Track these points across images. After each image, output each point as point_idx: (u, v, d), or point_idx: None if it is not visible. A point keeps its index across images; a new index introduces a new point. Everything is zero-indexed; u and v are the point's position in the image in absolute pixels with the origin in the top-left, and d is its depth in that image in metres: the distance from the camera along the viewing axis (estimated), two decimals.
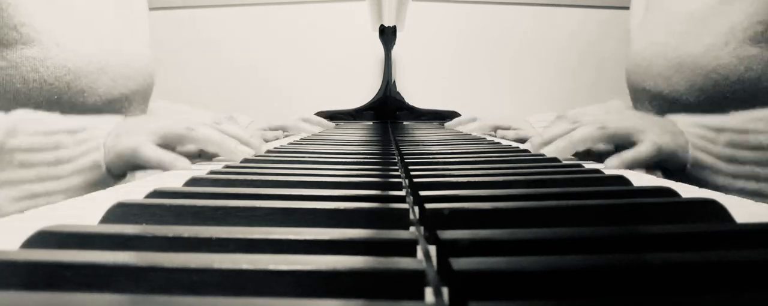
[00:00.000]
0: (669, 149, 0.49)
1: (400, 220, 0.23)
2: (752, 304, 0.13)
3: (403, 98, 1.37)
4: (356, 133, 0.89)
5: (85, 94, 0.61)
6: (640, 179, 0.36)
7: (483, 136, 0.85)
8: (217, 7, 1.49)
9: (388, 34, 1.37)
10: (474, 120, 1.07)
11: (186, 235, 0.19)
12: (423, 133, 0.90)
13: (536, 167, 0.40)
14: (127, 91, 0.68)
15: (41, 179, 0.46)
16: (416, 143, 0.62)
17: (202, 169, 0.43)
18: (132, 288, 0.15)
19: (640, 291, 0.15)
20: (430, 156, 0.47)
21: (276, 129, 0.96)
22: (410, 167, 0.38)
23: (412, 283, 0.15)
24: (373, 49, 1.42)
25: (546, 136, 0.55)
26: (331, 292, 0.15)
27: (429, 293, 0.16)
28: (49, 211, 0.26)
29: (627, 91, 0.82)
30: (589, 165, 0.46)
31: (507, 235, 0.18)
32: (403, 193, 0.28)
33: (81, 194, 0.48)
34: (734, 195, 0.48)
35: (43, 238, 0.18)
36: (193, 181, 0.33)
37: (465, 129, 1.01)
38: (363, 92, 1.40)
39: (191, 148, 0.65)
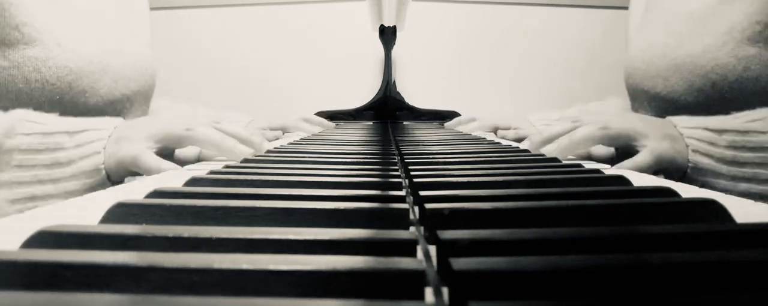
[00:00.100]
0: (668, 156, 0.49)
1: (400, 220, 0.23)
2: (752, 304, 0.13)
3: (403, 98, 1.37)
4: (356, 133, 0.89)
5: (87, 95, 0.61)
6: (640, 179, 0.36)
7: (483, 136, 0.85)
8: (217, 7, 1.49)
9: (388, 34, 1.37)
10: (473, 120, 1.07)
11: (186, 235, 0.19)
12: (423, 133, 0.90)
13: (536, 167, 0.40)
14: (128, 92, 0.69)
15: (40, 181, 0.46)
16: (416, 143, 0.62)
17: (202, 169, 0.43)
18: (132, 288, 0.15)
19: (640, 291, 0.15)
20: (430, 156, 0.47)
21: (276, 129, 0.96)
22: (410, 167, 0.38)
23: (412, 283, 0.15)
24: (373, 49, 1.42)
25: (546, 135, 0.55)
26: (331, 292, 0.15)
27: (429, 293, 0.16)
28: (49, 211, 0.26)
29: (621, 91, 0.83)
30: (589, 165, 0.46)
31: (507, 235, 0.18)
32: (403, 193, 0.28)
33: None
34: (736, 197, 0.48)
35: (43, 238, 0.18)
36: (193, 181, 0.33)
37: (465, 129, 1.01)
38: (363, 92, 1.40)
39: (190, 154, 0.65)
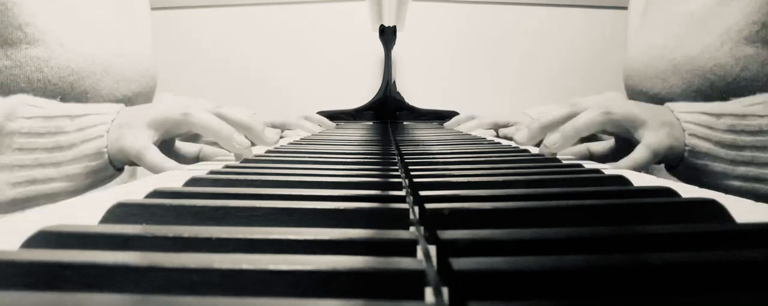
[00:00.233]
0: (665, 146, 0.49)
1: (400, 220, 0.23)
2: (752, 304, 0.13)
3: (403, 98, 1.37)
4: (356, 133, 0.89)
5: (88, 95, 0.61)
6: (640, 179, 0.36)
7: (483, 136, 0.85)
8: (218, 7, 1.49)
9: (388, 34, 1.37)
10: (472, 118, 1.07)
11: (186, 235, 0.19)
12: (423, 133, 0.90)
13: (536, 167, 0.40)
14: (129, 93, 0.69)
15: (41, 165, 0.46)
16: (416, 143, 0.62)
17: (202, 169, 0.43)
18: (132, 288, 0.15)
19: (640, 291, 0.15)
20: (430, 156, 0.47)
21: (278, 126, 0.96)
22: (410, 167, 0.38)
23: (412, 283, 0.15)
24: (373, 49, 1.42)
25: (544, 120, 0.55)
26: (331, 292, 0.15)
27: (429, 293, 0.16)
28: (49, 211, 0.26)
29: (620, 91, 0.83)
30: (589, 165, 0.46)
31: (507, 235, 0.18)
32: (403, 193, 0.28)
33: (82, 181, 0.48)
34: (734, 181, 0.48)
35: (43, 238, 0.18)
36: (193, 181, 0.33)
37: (464, 127, 1.01)
38: (363, 92, 1.40)
39: (192, 149, 0.64)
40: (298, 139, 0.78)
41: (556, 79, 1.49)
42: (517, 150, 0.56)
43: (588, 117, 0.50)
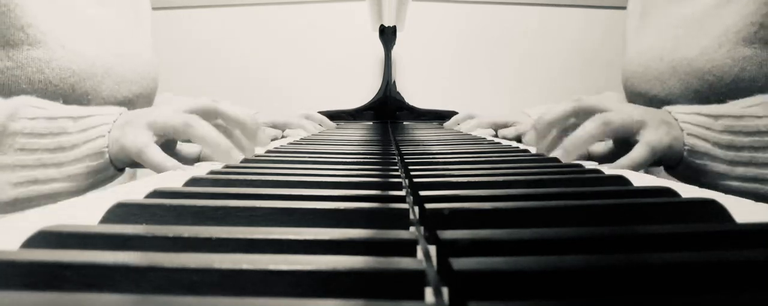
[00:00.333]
0: (664, 145, 0.48)
1: (400, 220, 0.23)
2: (752, 304, 0.13)
3: (403, 98, 1.37)
4: (356, 133, 0.89)
5: (89, 97, 0.61)
6: (641, 179, 0.36)
7: (483, 136, 0.85)
8: (218, 7, 1.49)
9: (388, 34, 1.37)
10: (471, 117, 1.07)
11: (186, 235, 0.19)
12: (423, 133, 0.90)
13: (536, 167, 0.40)
14: (130, 95, 0.69)
15: (43, 165, 0.46)
16: (416, 143, 0.62)
17: (202, 169, 0.43)
18: (132, 288, 0.15)
19: (640, 291, 0.15)
20: (430, 156, 0.47)
21: (280, 125, 0.96)
22: (410, 167, 0.38)
23: (412, 283, 0.15)
24: (373, 49, 1.42)
25: (549, 117, 0.54)
26: (331, 292, 0.15)
27: (429, 293, 0.16)
28: (49, 211, 0.26)
29: (620, 91, 0.83)
30: (588, 165, 0.46)
31: (507, 235, 0.18)
32: (403, 193, 0.28)
33: (83, 182, 0.48)
34: (733, 181, 0.48)
35: (44, 238, 0.18)
36: (193, 181, 0.33)
37: (464, 127, 1.01)
38: (363, 92, 1.40)
39: (192, 150, 0.64)
40: (298, 139, 0.78)
41: (556, 79, 1.49)
42: (517, 150, 0.56)
43: (587, 131, 0.50)
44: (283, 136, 0.96)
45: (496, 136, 0.96)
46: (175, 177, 0.37)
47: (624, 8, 0.91)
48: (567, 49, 1.50)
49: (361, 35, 1.44)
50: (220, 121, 0.52)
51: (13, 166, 0.45)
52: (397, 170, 0.39)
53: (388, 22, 1.35)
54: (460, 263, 0.15)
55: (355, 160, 0.45)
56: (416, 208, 0.27)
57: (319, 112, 1.24)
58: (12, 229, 0.21)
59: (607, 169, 0.48)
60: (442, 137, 0.76)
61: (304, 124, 0.97)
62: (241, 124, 0.52)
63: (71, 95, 0.59)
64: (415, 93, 1.40)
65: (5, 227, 0.22)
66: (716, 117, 0.49)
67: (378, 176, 0.35)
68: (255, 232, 0.19)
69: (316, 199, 0.27)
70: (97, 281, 0.15)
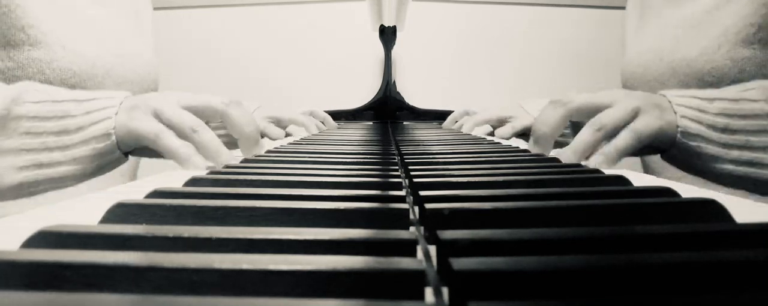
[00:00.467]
0: (651, 130, 0.47)
1: (400, 220, 0.23)
2: (752, 304, 0.13)
3: (403, 98, 1.37)
4: (356, 133, 0.89)
5: None
6: (640, 179, 0.36)
7: (482, 135, 0.85)
8: (217, 7, 1.49)
9: (388, 34, 1.37)
10: (467, 113, 1.07)
11: (186, 235, 0.19)
12: (423, 133, 0.90)
13: (536, 167, 0.40)
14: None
15: (48, 148, 0.46)
16: (416, 143, 0.62)
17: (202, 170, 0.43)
18: (132, 288, 0.15)
19: (640, 291, 0.15)
20: (430, 156, 0.47)
21: (284, 123, 0.95)
22: (410, 167, 0.38)
23: (412, 283, 0.15)
24: (373, 49, 1.42)
25: (544, 130, 0.53)
26: (331, 292, 0.15)
27: (429, 293, 0.16)
28: (49, 211, 0.26)
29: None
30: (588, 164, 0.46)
31: (507, 235, 0.18)
32: (403, 193, 0.28)
33: (88, 164, 0.48)
34: (728, 165, 0.48)
35: (43, 238, 0.18)
36: (193, 181, 0.33)
37: (466, 127, 1.01)
38: (363, 92, 1.40)
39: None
40: (298, 139, 0.78)
41: (556, 79, 1.49)
42: (517, 150, 0.56)
43: (583, 139, 0.49)
44: (287, 135, 0.97)
45: (493, 133, 0.97)
46: (175, 177, 0.37)
47: (624, 8, 0.91)
48: (567, 48, 1.50)
49: (361, 35, 1.44)
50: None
51: (18, 150, 0.45)
52: (397, 170, 0.39)
53: (388, 22, 1.35)
54: (460, 263, 0.15)
55: (355, 160, 0.45)
56: (416, 208, 0.27)
57: None
58: (12, 229, 0.21)
59: (595, 157, 0.47)
60: (442, 137, 0.76)
61: (307, 122, 0.97)
62: (240, 135, 0.51)
63: None
64: (415, 93, 1.40)
65: (5, 227, 0.22)
66: (711, 100, 0.49)
67: (378, 176, 0.35)
68: (255, 232, 0.19)
69: (316, 199, 0.27)
70: (97, 281, 0.15)
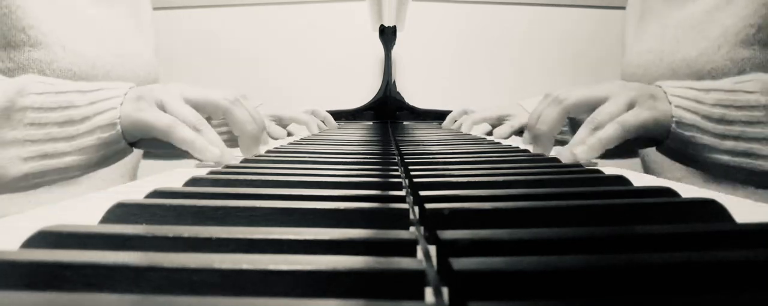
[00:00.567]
0: (640, 120, 0.47)
1: (400, 220, 0.23)
2: (752, 304, 0.13)
3: (403, 98, 1.37)
4: (356, 132, 0.89)
5: None
6: (640, 179, 0.36)
7: (481, 135, 0.85)
8: (217, 7, 1.49)
9: (388, 34, 1.37)
10: (465, 113, 1.07)
11: (186, 235, 0.19)
12: (423, 133, 0.90)
13: (536, 167, 0.40)
14: None
15: (53, 139, 0.46)
16: (416, 143, 0.62)
17: (201, 169, 0.43)
18: (132, 288, 0.15)
19: (640, 291, 0.15)
20: (430, 156, 0.47)
21: (284, 120, 0.96)
22: (410, 167, 0.38)
23: (412, 283, 0.15)
24: (373, 49, 1.42)
25: (543, 129, 0.53)
26: (331, 292, 0.15)
27: (429, 293, 0.16)
28: (49, 211, 0.26)
29: None
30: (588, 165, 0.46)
31: (507, 235, 0.18)
32: (403, 193, 0.28)
33: (94, 154, 0.48)
34: (722, 155, 0.48)
35: (43, 238, 0.18)
36: (193, 181, 0.33)
37: (465, 127, 1.01)
38: (363, 92, 1.40)
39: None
40: (298, 139, 0.78)
41: (556, 79, 1.49)
42: (517, 150, 0.56)
43: (581, 139, 0.49)
44: (288, 134, 0.97)
45: (491, 132, 0.97)
46: (175, 177, 0.37)
47: (623, 8, 0.91)
48: (567, 48, 1.50)
49: (361, 35, 1.44)
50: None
51: (24, 141, 0.45)
52: (397, 170, 0.39)
53: (388, 22, 1.35)
54: (460, 263, 0.15)
55: (355, 160, 0.45)
56: (416, 208, 0.27)
57: None
58: (12, 229, 0.21)
59: (579, 147, 0.47)
60: (442, 137, 0.76)
61: (309, 120, 0.97)
62: (242, 132, 0.51)
63: None
64: (415, 93, 1.40)
65: (5, 227, 0.22)
66: (707, 90, 0.49)
67: (378, 176, 0.35)
68: (255, 232, 0.19)
69: (316, 199, 0.27)
70: (97, 281, 0.15)
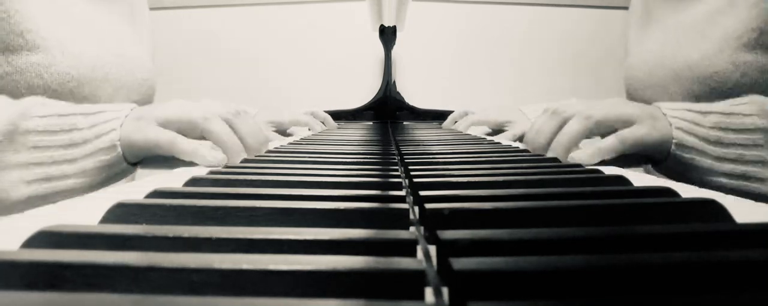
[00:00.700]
0: (636, 136, 0.49)
1: (400, 220, 0.23)
2: (752, 304, 0.13)
3: (403, 98, 1.37)
4: (356, 133, 0.89)
5: (88, 102, 0.61)
6: (640, 179, 0.36)
7: (481, 136, 0.85)
8: (217, 7, 1.49)
9: (388, 34, 1.37)
10: (466, 114, 1.07)
11: (186, 235, 0.19)
12: (423, 133, 0.90)
13: (536, 167, 0.40)
14: (128, 100, 0.69)
15: (56, 162, 0.47)
16: (416, 143, 0.62)
17: (201, 169, 0.43)
18: (132, 288, 0.15)
19: (640, 291, 0.15)
20: (430, 156, 0.47)
21: (284, 125, 0.96)
22: (410, 167, 0.38)
23: (412, 283, 0.15)
24: (373, 49, 1.42)
25: (540, 141, 0.55)
26: (331, 292, 0.15)
27: (429, 293, 0.16)
28: (49, 211, 0.26)
29: (620, 91, 0.83)
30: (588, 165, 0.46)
31: (507, 235, 0.18)
32: (403, 193, 0.28)
33: (96, 177, 0.49)
34: (720, 177, 0.49)
35: (43, 238, 0.18)
36: (193, 181, 0.33)
37: (462, 125, 1.01)
38: (363, 92, 1.40)
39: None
40: (298, 139, 0.78)
41: (556, 79, 1.49)
42: (517, 150, 0.56)
43: (571, 129, 0.50)
44: (288, 134, 0.97)
45: (491, 134, 0.97)
46: (175, 177, 0.37)
47: (624, 8, 0.91)
48: (567, 49, 1.50)
49: (361, 35, 1.44)
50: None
51: (27, 164, 0.46)
52: (397, 170, 0.39)
53: (388, 22, 1.35)
54: (460, 263, 0.15)
55: (355, 160, 0.45)
56: (416, 208, 0.27)
57: None
58: (12, 229, 0.21)
59: (577, 152, 0.48)
60: (442, 137, 0.76)
61: (310, 121, 0.97)
62: (250, 147, 0.52)
63: (69, 100, 0.59)
64: (415, 93, 1.40)
65: (5, 227, 0.22)
66: (705, 113, 0.50)
67: (378, 176, 0.35)
68: (255, 232, 0.19)
69: (316, 199, 0.27)
70: (97, 281, 0.15)
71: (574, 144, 0.51)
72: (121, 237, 0.19)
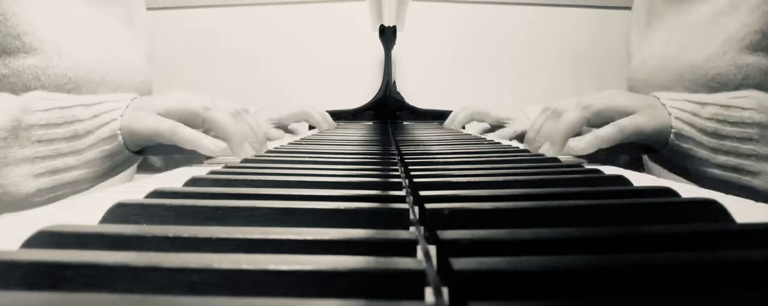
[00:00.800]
0: (635, 125, 0.49)
1: (400, 220, 0.23)
2: (752, 304, 0.13)
3: (403, 98, 1.37)
4: (356, 132, 0.89)
5: None
6: (640, 179, 0.36)
7: (483, 136, 0.85)
8: (217, 6, 1.49)
9: (388, 34, 1.37)
10: (466, 108, 1.08)
11: (186, 235, 0.19)
12: (423, 133, 0.90)
13: (536, 167, 0.40)
14: None
15: (61, 154, 0.47)
16: (416, 143, 0.62)
17: (201, 169, 0.43)
18: (132, 288, 0.15)
19: (640, 291, 0.15)
20: (430, 156, 0.47)
21: (284, 121, 0.96)
22: (410, 167, 0.38)
23: (412, 283, 0.15)
24: (373, 49, 1.42)
25: (542, 134, 0.55)
26: (331, 292, 0.15)
27: (429, 293, 0.16)
28: (49, 211, 0.26)
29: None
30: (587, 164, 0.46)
31: (507, 235, 0.18)
32: (403, 193, 0.28)
33: (100, 167, 0.49)
34: (715, 169, 0.49)
35: (43, 238, 0.18)
36: (193, 181, 0.33)
37: (463, 114, 1.02)
38: (363, 92, 1.40)
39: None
40: (298, 139, 0.78)
41: (557, 79, 1.49)
42: (517, 150, 0.56)
43: (569, 117, 0.51)
44: (289, 130, 0.97)
45: (491, 130, 0.97)
46: (175, 177, 0.37)
47: (625, 8, 0.91)
48: (567, 48, 1.50)
49: (361, 35, 1.44)
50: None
51: (33, 158, 0.46)
52: (397, 170, 0.39)
53: (388, 22, 1.35)
54: (460, 263, 0.15)
55: (355, 160, 0.45)
56: (416, 208, 0.27)
57: None
58: (12, 229, 0.21)
59: (574, 141, 0.49)
60: (442, 137, 0.76)
61: (310, 111, 0.97)
62: (254, 141, 0.52)
63: None
64: (415, 93, 1.40)
65: (5, 227, 0.22)
66: (703, 104, 0.50)
67: (378, 176, 0.35)
68: (255, 232, 0.19)
69: (316, 199, 0.27)
70: (97, 281, 0.15)
71: (572, 132, 0.51)
72: (121, 237, 0.19)
